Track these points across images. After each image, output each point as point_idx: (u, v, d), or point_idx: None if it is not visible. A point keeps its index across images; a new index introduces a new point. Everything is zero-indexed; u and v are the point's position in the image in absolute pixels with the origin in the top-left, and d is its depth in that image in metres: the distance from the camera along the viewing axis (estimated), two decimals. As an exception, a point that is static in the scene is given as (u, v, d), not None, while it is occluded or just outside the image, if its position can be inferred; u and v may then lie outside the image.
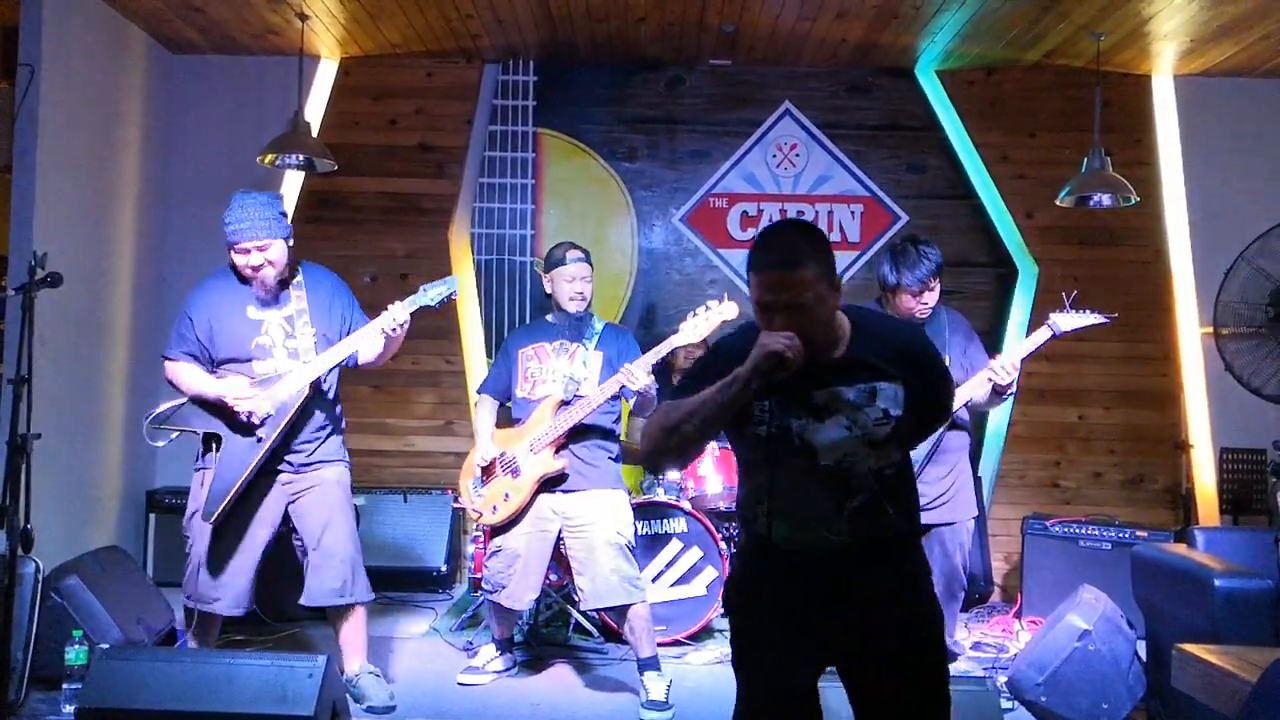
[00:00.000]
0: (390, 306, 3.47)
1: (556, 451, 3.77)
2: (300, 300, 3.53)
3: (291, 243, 3.55)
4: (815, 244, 2.05)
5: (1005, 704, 3.44)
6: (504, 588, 3.79)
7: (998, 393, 3.74)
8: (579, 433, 3.77)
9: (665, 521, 4.40)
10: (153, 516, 5.20)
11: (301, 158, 4.80)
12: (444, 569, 5.24)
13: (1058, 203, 4.88)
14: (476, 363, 5.66)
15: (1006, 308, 5.68)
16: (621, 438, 4.05)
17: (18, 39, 4.32)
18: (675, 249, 5.79)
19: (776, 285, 2.00)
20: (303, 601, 3.59)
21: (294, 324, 3.51)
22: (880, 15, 4.92)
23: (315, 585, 3.55)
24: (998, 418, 5.65)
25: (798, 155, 5.75)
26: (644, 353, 3.82)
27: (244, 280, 3.53)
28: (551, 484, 3.77)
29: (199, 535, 3.47)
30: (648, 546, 4.32)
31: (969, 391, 3.76)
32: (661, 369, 3.91)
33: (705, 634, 4.42)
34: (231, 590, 3.46)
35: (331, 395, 3.63)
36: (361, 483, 5.09)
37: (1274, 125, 5.47)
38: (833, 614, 2.08)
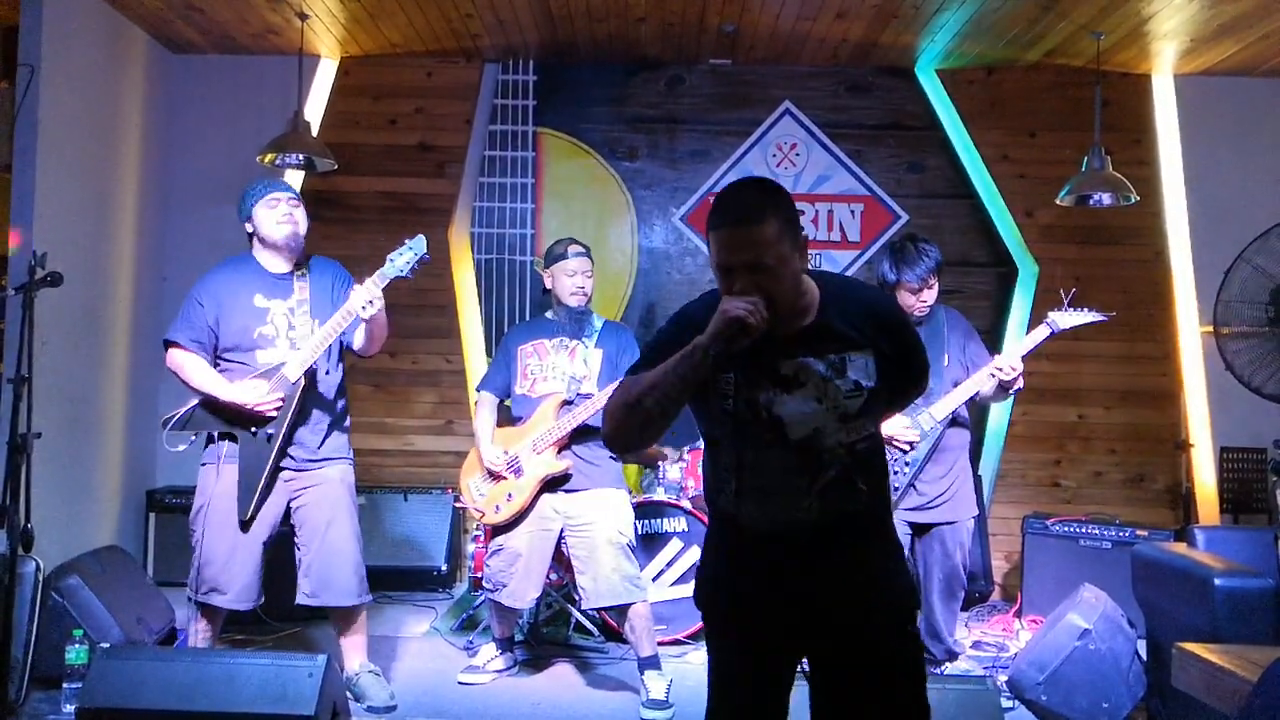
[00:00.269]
0: (359, 286, 3.38)
1: (559, 451, 3.76)
2: (304, 290, 3.53)
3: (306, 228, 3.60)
4: (776, 200, 1.94)
5: (1006, 703, 3.44)
6: (505, 587, 3.79)
7: (1004, 388, 3.75)
8: (580, 432, 3.77)
9: (665, 520, 4.40)
10: (153, 516, 5.20)
11: (301, 157, 4.80)
12: (444, 568, 5.25)
13: (1058, 202, 4.88)
14: (477, 362, 5.66)
15: (1006, 307, 5.69)
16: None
17: (18, 39, 4.32)
18: (675, 248, 5.79)
19: (735, 244, 1.89)
20: (306, 601, 3.56)
21: (295, 314, 3.51)
22: (880, 15, 4.92)
23: (320, 586, 3.53)
24: (998, 417, 5.65)
25: (798, 155, 5.75)
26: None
27: (259, 261, 3.54)
28: (554, 484, 3.77)
29: (206, 529, 3.46)
30: (648, 545, 4.32)
31: (974, 386, 3.77)
32: None
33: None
34: (238, 583, 3.46)
35: (333, 391, 3.60)
36: (362, 482, 5.05)
37: (1274, 124, 5.47)
38: (803, 603, 2.01)
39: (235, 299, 3.50)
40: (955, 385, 3.80)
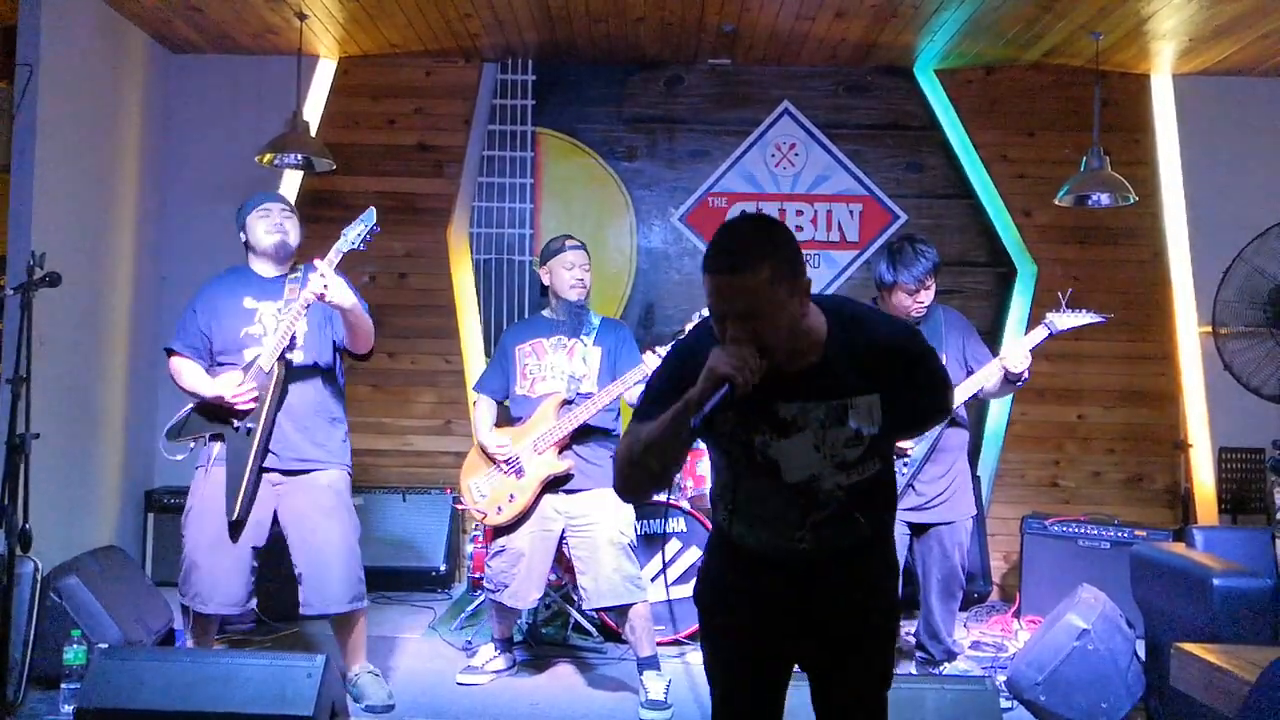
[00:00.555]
0: (315, 271, 3.33)
1: (560, 451, 3.76)
2: (294, 293, 3.53)
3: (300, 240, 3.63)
4: (773, 243, 1.82)
5: (1004, 703, 3.44)
6: (507, 587, 3.79)
7: (1010, 380, 3.75)
8: (581, 432, 3.77)
9: (664, 520, 4.40)
10: (151, 516, 5.20)
11: (300, 157, 4.80)
12: (443, 568, 5.24)
13: (1056, 202, 4.88)
14: (475, 362, 5.66)
15: (1005, 307, 5.69)
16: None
17: (16, 38, 4.32)
18: (674, 248, 5.78)
19: (726, 291, 1.81)
20: (301, 612, 3.55)
21: (281, 315, 3.51)
22: (879, 14, 4.92)
23: (310, 594, 3.50)
24: (997, 417, 5.65)
25: (797, 154, 5.75)
26: (640, 350, 3.82)
27: (252, 269, 3.55)
28: (555, 484, 3.77)
29: (193, 534, 3.46)
30: (647, 546, 4.32)
31: (977, 383, 3.78)
32: None
33: (704, 633, 4.42)
34: (223, 589, 3.43)
35: (325, 391, 3.58)
36: (360, 482, 5.08)
37: (1273, 124, 5.47)
38: (797, 613, 2.04)
39: (226, 303, 3.52)
40: (955, 384, 3.80)
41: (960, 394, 3.78)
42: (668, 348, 3.59)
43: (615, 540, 3.73)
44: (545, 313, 3.97)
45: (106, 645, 3.35)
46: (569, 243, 3.88)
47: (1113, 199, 4.79)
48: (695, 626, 4.33)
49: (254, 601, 3.59)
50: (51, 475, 4.21)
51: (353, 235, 3.40)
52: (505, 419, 3.96)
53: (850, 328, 1.92)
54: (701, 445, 4.50)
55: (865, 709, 2.08)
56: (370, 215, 3.43)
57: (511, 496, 3.77)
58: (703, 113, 5.77)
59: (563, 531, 3.80)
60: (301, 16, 4.91)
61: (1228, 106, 5.46)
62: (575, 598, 4.39)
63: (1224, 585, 3.21)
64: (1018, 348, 3.72)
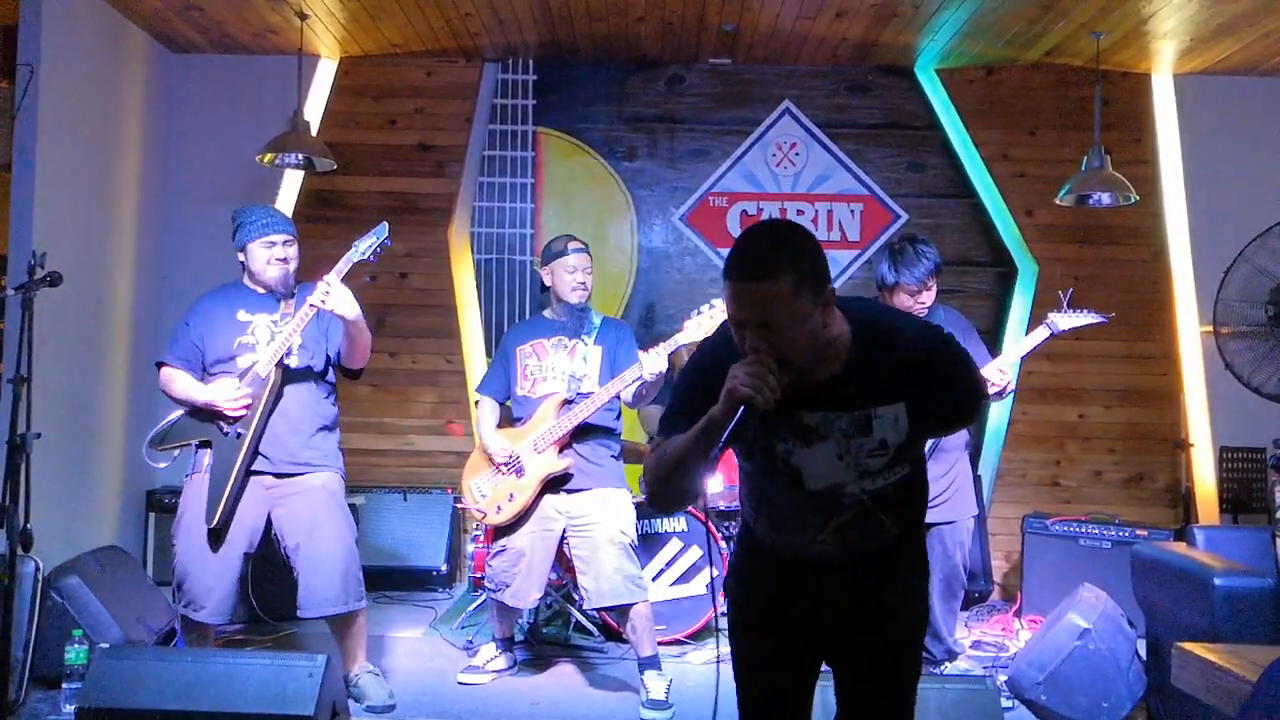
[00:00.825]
0: (322, 280, 3.36)
1: (560, 451, 3.76)
2: (289, 306, 3.54)
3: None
4: (794, 252, 1.75)
5: (1005, 703, 3.44)
6: (508, 586, 3.79)
7: (997, 393, 3.76)
8: (581, 431, 3.77)
9: (665, 520, 4.40)
10: (152, 516, 5.20)
11: (301, 157, 4.81)
12: (444, 568, 5.25)
13: (1057, 201, 4.88)
14: (476, 362, 5.66)
15: (1006, 306, 5.68)
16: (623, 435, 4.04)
17: (17, 38, 4.32)
18: (675, 248, 5.79)
19: (745, 300, 1.74)
20: (299, 614, 3.54)
21: (278, 326, 3.51)
22: (880, 14, 4.92)
23: (306, 596, 3.50)
24: (998, 416, 5.65)
25: (797, 154, 5.75)
26: (641, 350, 3.82)
27: (248, 287, 3.56)
28: (556, 483, 3.77)
29: (183, 542, 3.45)
30: (648, 545, 4.32)
31: None
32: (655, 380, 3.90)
33: (705, 633, 4.42)
34: (214, 597, 3.42)
35: (319, 395, 3.58)
36: (361, 482, 5.10)
37: (1274, 124, 5.47)
38: (824, 607, 2.04)
39: (219, 315, 3.53)
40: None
41: None
42: (667, 345, 3.64)
43: (616, 540, 3.73)
44: (546, 313, 3.97)
45: (108, 645, 3.35)
46: (571, 245, 3.87)
47: (1114, 198, 4.79)
48: (696, 626, 4.34)
49: (240, 609, 3.57)
50: (52, 475, 4.22)
51: (364, 247, 3.42)
52: (506, 418, 3.96)
53: (876, 336, 1.87)
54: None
55: (891, 708, 2.08)
56: (383, 229, 3.45)
57: (511, 496, 3.77)
58: (703, 112, 5.77)
59: (563, 531, 3.80)
60: (302, 16, 4.91)
61: (1228, 106, 5.46)
62: (576, 597, 4.39)
63: (1225, 585, 3.20)
64: (1002, 361, 3.74)
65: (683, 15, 5.02)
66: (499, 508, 3.79)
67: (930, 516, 3.81)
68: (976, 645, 4.53)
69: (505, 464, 3.77)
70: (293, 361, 3.48)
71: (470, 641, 4.36)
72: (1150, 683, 3.55)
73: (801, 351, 1.78)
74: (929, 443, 3.76)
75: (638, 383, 3.67)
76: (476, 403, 4.05)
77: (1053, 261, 5.54)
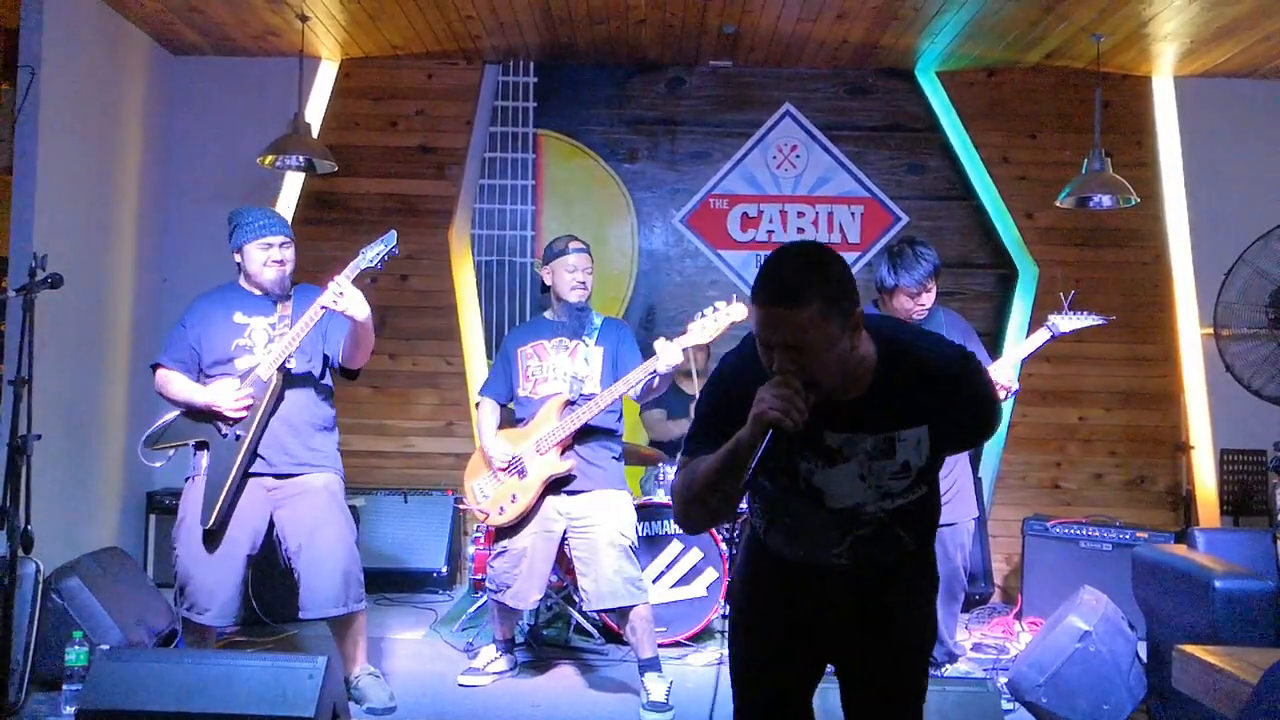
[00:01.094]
0: (332, 280, 3.37)
1: (563, 452, 3.76)
2: (286, 309, 3.54)
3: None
4: (823, 276, 1.76)
5: (1006, 705, 3.44)
6: (509, 587, 3.79)
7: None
8: (583, 433, 3.76)
9: (666, 522, 4.40)
10: (153, 517, 5.20)
11: (302, 159, 4.81)
12: (444, 570, 5.24)
13: (1058, 204, 4.88)
14: (477, 364, 5.66)
15: (1007, 309, 5.69)
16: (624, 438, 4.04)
17: (18, 40, 4.33)
18: (676, 250, 5.79)
19: (773, 323, 1.75)
20: (301, 615, 3.54)
21: (276, 329, 3.51)
22: (881, 16, 4.92)
23: (308, 597, 3.50)
24: (998, 419, 5.64)
25: (798, 156, 5.75)
26: (641, 353, 3.82)
27: (244, 289, 3.56)
28: (557, 485, 3.77)
29: (184, 545, 3.45)
30: (648, 547, 4.32)
31: None
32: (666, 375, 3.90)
33: (706, 635, 4.42)
34: (218, 600, 3.42)
35: (318, 397, 3.58)
36: (361, 484, 5.10)
37: (1274, 126, 5.48)
38: (829, 612, 2.04)
39: (216, 317, 3.52)
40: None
41: None
42: (682, 340, 3.63)
43: (616, 542, 3.73)
44: (547, 314, 3.97)
45: (108, 646, 3.35)
46: (572, 245, 3.87)
47: (1114, 201, 4.80)
48: (696, 629, 4.34)
49: (243, 611, 3.57)
50: (53, 477, 4.22)
51: (371, 254, 3.41)
52: (508, 420, 3.96)
53: (900, 358, 1.88)
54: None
55: (895, 715, 2.07)
56: (391, 237, 3.44)
57: (514, 497, 3.77)
58: (704, 114, 5.78)
59: (564, 533, 3.80)
60: (303, 18, 4.91)
61: (1229, 108, 5.46)
62: (576, 599, 4.39)
63: (1226, 587, 3.20)
64: (1001, 366, 3.74)
65: (683, 18, 5.03)
66: (501, 509, 3.79)
67: (931, 519, 3.85)
68: (977, 647, 4.53)
69: (506, 468, 3.78)
70: (293, 364, 3.48)
71: (470, 643, 4.36)
72: (1151, 685, 3.55)
73: (830, 374, 1.78)
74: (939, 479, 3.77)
75: (650, 377, 3.66)
76: (477, 404, 4.04)
77: (1053, 264, 5.55)
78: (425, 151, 5.72)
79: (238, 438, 3.40)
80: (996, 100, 5.66)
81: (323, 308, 3.35)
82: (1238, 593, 3.19)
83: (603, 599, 3.73)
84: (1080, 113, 5.37)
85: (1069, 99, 5.54)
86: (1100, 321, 3.87)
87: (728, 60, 5.68)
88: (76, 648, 3.43)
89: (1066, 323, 3.83)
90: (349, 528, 3.61)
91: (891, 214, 5.72)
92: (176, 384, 3.49)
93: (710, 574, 4.34)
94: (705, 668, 4.14)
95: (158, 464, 3.52)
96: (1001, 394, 3.66)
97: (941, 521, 3.75)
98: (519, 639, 4.27)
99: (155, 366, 3.56)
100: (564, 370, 3.83)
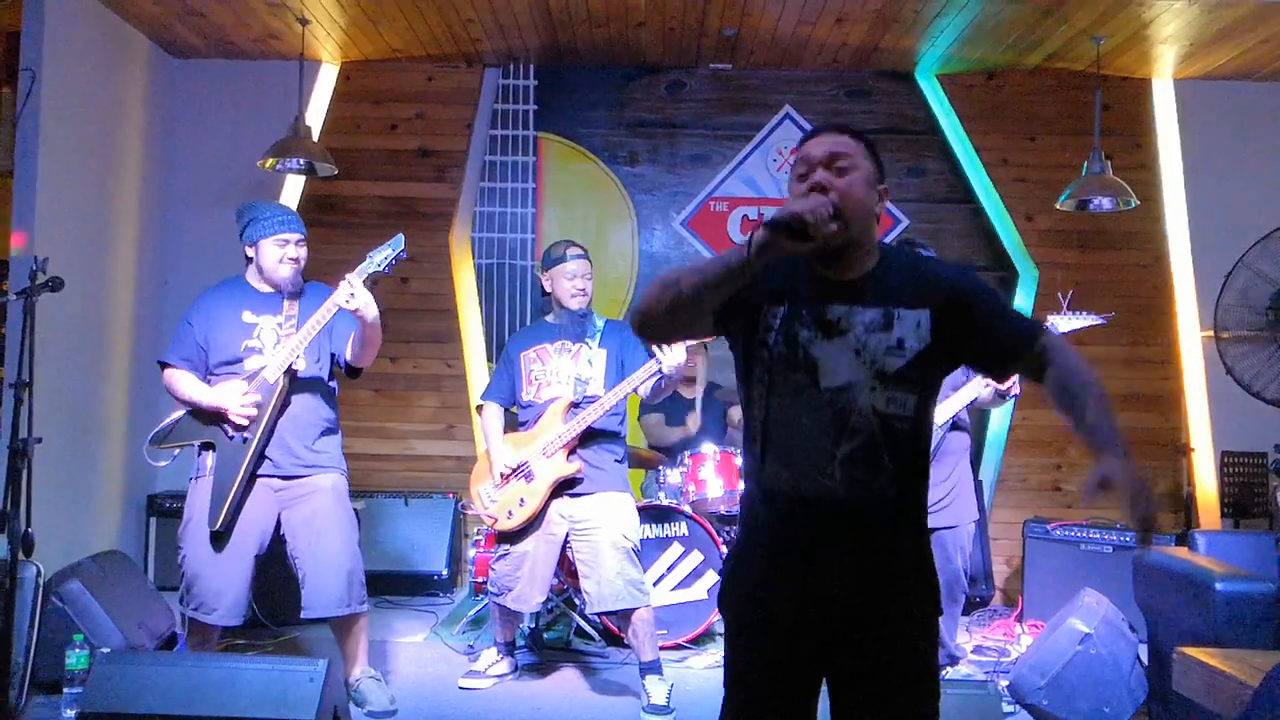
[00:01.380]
0: (344, 280, 3.38)
1: (569, 454, 3.77)
2: (293, 308, 3.54)
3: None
4: (870, 141, 2.03)
5: (1007, 707, 3.44)
6: (510, 590, 3.79)
7: (1000, 395, 3.77)
8: (586, 436, 3.76)
9: (667, 525, 4.40)
10: (154, 520, 5.20)
11: (302, 162, 4.82)
12: (445, 573, 5.24)
13: (1058, 206, 4.89)
14: (477, 366, 5.67)
15: (1007, 311, 5.68)
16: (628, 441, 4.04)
17: (19, 44, 4.33)
18: (676, 253, 5.79)
19: (824, 143, 1.94)
20: (303, 615, 3.54)
21: (283, 329, 3.51)
22: (880, 19, 4.93)
23: (312, 597, 3.50)
24: (999, 421, 5.65)
25: (797, 156, 5.74)
26: (647, 353, 3.83)
27: (251, 284, 3.55)
28: (563, 487, 3.77)
29: (192, 545, 3.45)
30: (649, 550, 4.32)
31: (972, 393, 3.79)
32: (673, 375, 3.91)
33: (706, 638, 4.42)
34: (226, 599, 3.42)
35: (323, 399, 3.58)
36: (362, 487, 5.10)
37: (1274, 128, 5.48)
38: (825, 605, 1.92)
39: (224, 316, 3.51)
40: (955, 389, 3.81)
41: (954, 403, 3.79)
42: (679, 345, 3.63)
43: (619, 544, 3.73)
44: (549, 318, 3.97)
45: (108, 650, 3.35)
46: (570, 251, 3.87)
47: (1114, 203, 4.80)
48: (697, 631, 4.34)
49: (250, 611, 3.58)
50: (54, 480, 4.22)
51: (379, 258, 3.42)
52: (511, 424, 3.96)
53: (909, 260, 2.04)
54: (707, 449, 4.52)
55: None
56: (398, 241, 3.45)
57: (522, 501, 3.77)
58: (704, 117, 5.78)
59: (566, 535, 3.80)
60: (303, 21, 4.92)
61: (1229, 111, 5.47)
62: (578, 602, 4.39)
63: (1226, 589, 3.20)
64: None
65: (683, 20, 5.04)
66: (510, 513, 3.78)
67: (931, 521, 3.82)
68: (978, 650, 4.53)
69: (513, 473, 3.78)
70: (300, 365, 3.48)
71: (472, 646, 4.36)
72: (1152, 687, 3.54)
73: (855, 205, 1.90)
74: (931, 445, 3.78)
75: (655, 378, 3.66)
76: (479, 408, 4.04)
77: (1053, 266, 5.55)
78: (425, 155, 5.73)
79: (245, 440, 3.41)
80: (996, 103, 5.67)
81: (334, 304, 3.36)
82: (1238, 595, 3.19)
83: (605, 601, 3.73)
84: (1080, 115, 5.37)
85: (1069, 101, 5.54)
86: (1099, 321, 3.88)
87: (728, 63, 5.69)
88: (77, 651, 3.43)
89: (1065, 323, 3.84)
90: (353, 529, 3.61)
91: (891, 216, 5.72)
92: (184, 383, 3.48)
93: (711, 577, 4.34)
94: (706, 670, 4.14)
95: (163, 463, 3.52)
96: (1002, 387, 3.67)
97: (942, 524, 3.85)
98: (520, 642, 4.27)
99: (163, 365, 3.54)
100: (567, 373, 3.83)
